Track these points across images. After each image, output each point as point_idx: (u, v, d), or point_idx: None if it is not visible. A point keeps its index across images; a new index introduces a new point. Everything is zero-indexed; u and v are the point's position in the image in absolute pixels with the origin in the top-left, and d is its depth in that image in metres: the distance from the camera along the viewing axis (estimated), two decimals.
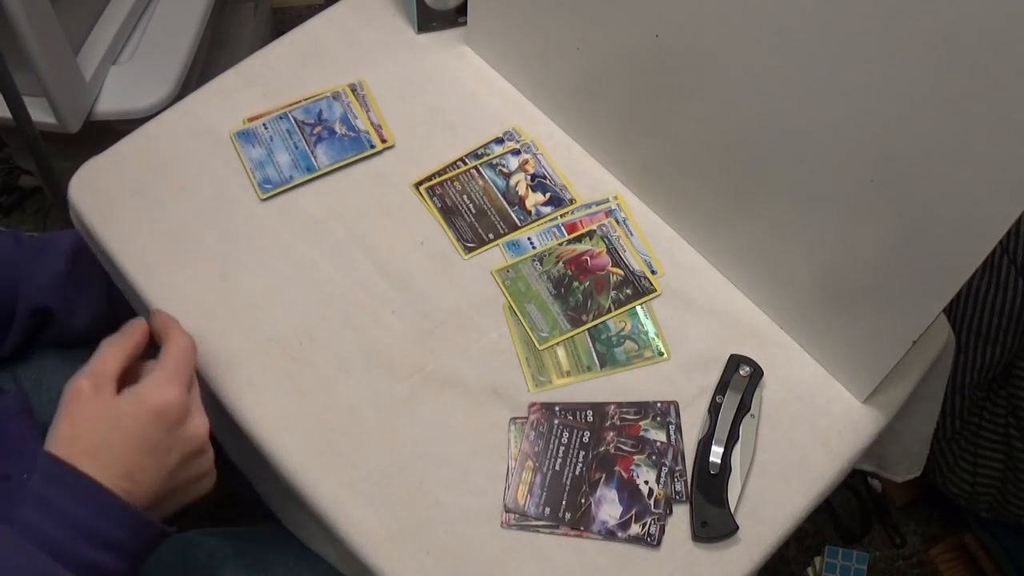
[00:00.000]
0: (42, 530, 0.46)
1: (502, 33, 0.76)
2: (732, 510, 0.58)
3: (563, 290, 0.67)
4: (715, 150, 0.63)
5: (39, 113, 1.01)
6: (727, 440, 0.60)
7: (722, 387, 0.62)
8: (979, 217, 0.49)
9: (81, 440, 0.49)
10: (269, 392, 0.62)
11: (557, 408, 0.62)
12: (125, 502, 0.48)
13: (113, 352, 0.54)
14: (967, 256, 0.51)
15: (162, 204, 0.70)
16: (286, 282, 0.67)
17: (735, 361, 0.63)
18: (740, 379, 0.62)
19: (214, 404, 0.64)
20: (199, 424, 0.54)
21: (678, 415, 0.62)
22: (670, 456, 0.60)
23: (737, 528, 0.57)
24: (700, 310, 0.67)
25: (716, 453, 0.59)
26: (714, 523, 0.57)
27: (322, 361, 0.64)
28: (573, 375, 0.64)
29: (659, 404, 0.62)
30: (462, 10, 0.79)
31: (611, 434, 0.61)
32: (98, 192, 0.71)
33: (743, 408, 0.61)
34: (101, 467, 0.48)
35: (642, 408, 0.62)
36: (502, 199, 0.72)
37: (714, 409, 0.61)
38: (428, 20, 0.80)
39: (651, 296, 0.67)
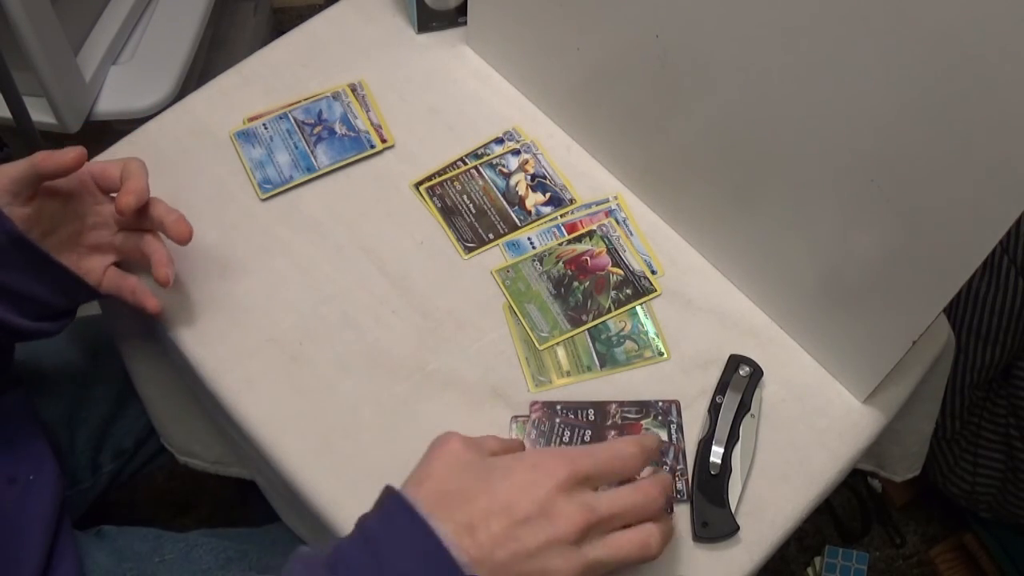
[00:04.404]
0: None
1: (502, 33, 0.76)
2: (733, 510, 0.58)
3: (563, 290, 0.67)
4: (715, 150, 0.63)
5: (39, 113, 1.01)
6: (727, 440, 0.60)
7: (722, 387, 0.62)
8: (979, 217, 0.49)
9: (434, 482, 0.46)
10: (269, 392, 0.62)
11: (559, 407, 0.62)
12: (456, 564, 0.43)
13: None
14: (967, 256, 0.51)
15: None
16: (286, 282, 0.67)
17: (735, 361, 0.63)
18: (740, 379, 0.62)
19: (214, 404, 0.64)
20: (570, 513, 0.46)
21: (679, 414, 0.62)
22: (671, 455, 0.60)
23: (738, 528, 0.57)
24: (700, 310, 0.67)
25: (716, 453, 0.59)
26: (715, 523, 0.57)
27: (322, 361, 0.64)
28: (573, 375, 0.64)
29: (660, 403, 0.62)
30: (462, 10, 0.79)
31: (612, 433, 0.61)
32: None
33: (743, 408, 0.61)
34: (445, 510, 0.45)
35: (643, 407, 0.62)
36: (502, 199, 0.72)
37: (714, 409, 0.61)
38: (428, 20, 0.80)
39: (651, 296, 0.67)
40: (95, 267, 0.62)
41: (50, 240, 0.60)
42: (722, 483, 0.58)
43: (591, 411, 0.62)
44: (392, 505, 0.45)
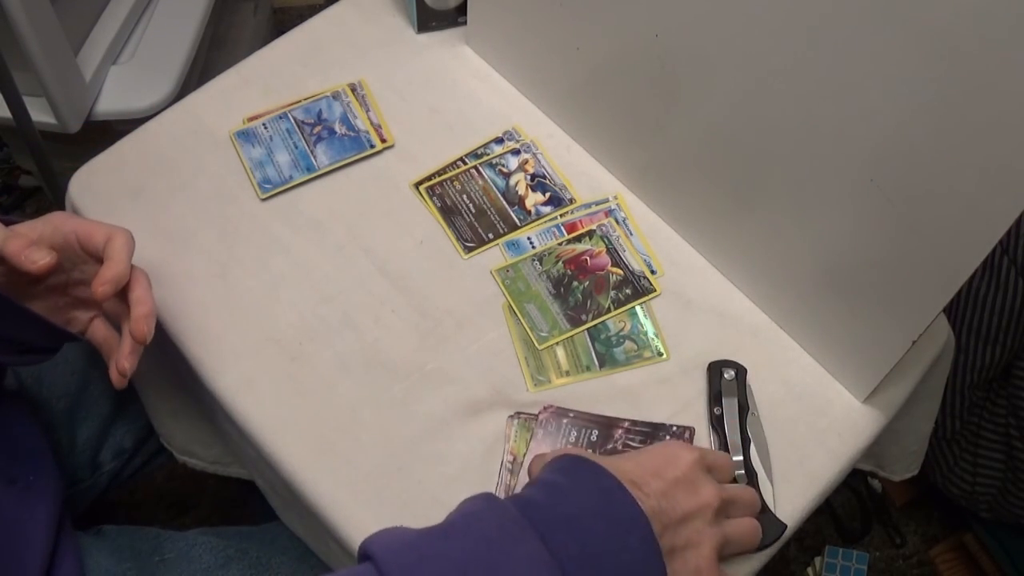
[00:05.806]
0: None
1: (502, 33, 0.76)
2: (773, 510, 0.57)
3: (563, 290, 0.67)
4: (715, 150, 0.63)
5: (39, 113, 1.01)
6: (742, 446, 0.59)
7: (715, 397, 0.62)
8: (979, 217, 0.49)
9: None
10: (269, 392, 0.62)
11: (565, 421, 0.61)
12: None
13: None
14: (967, 256, 0.51)
15: (162, 204, 0.70)
16: (286, 282, 0.67)
17: (716, 368, 0.63)
18: (728, 383, 0.62)
19: (214, 403, 0.64)
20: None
21: (692, 439, 0.61)
22: None
23: (785, 527, 0.57)
24: (699, 310, 0.67)
25: (738, 464, 0.58)
26: (766, 531, 0.56)
27: (322, 361, 0.64)
28: (572, 375, 0.64)
29: (674, 428, 0.61)
30: (462, 10, 0.79)
31: (619, 432, 0.61)
32: (98, 192, 0.71)
33: (743, 410, 0.61)
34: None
35: (655, 431, 0.61)
36: (502, 199, 0.72)
37: (717, 422, 0.61)
38: (428, 20, 0.80)
39: (650, 296, 0.67)
40: (80, 317, 0.62)
41: (36, 288, 0.59)
42: (755, 490, 0.58)
43: (595, 432, 0.61)
44: (566, 461, 0.48)
